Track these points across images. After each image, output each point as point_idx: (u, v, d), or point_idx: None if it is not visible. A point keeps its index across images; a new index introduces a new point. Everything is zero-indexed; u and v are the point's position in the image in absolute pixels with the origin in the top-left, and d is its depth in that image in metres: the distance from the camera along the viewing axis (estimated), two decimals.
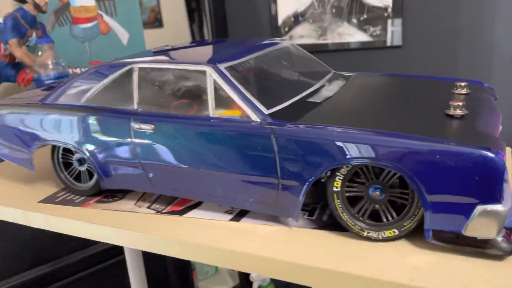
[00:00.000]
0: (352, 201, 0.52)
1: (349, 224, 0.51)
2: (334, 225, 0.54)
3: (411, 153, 0.45)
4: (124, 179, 0.63)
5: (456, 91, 0.60)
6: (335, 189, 0.50)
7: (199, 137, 0.55)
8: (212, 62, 0.56)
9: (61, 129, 0.65)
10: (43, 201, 0.69)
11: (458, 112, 0.51)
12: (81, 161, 0.68)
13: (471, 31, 1.71)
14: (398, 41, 1.85)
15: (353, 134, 0.47)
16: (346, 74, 0.71)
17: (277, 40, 0.70)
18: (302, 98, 0.59)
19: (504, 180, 0.43)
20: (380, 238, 0.50)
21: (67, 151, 0.69)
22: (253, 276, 1.78)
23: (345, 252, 0.49)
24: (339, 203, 0.51)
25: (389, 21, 1.83)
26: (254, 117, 0.53)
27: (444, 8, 1.72)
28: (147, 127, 0.58)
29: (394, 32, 1.84)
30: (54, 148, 0.69)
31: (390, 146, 0.46)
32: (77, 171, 0.69)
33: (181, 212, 0.62)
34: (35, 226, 0.66)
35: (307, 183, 0.51)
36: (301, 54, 0.70)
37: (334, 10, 1.91)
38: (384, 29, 1.84)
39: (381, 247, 0.50)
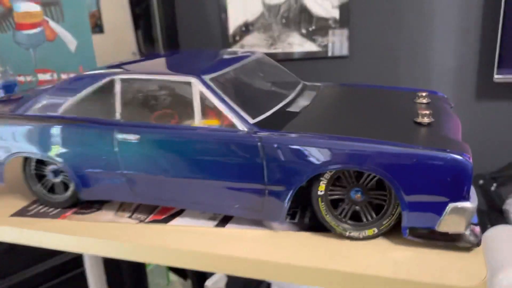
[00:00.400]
0: (333, 204, 0.55)
1: (333, 225, 0.55)
2: (316, 227, 0.58)
3: (391, 158, 0.49)
4: (105, 190, 0.63)
5: (418, 101, 0.65)
6: (319, 193, 0.54)
7: (186, 146, 0.57)
8: (196, 73, 0.58)
9: (36, 140, 0.64)
10: (14, 214, 0.67)
11: (426, 120, 0.56)
12: (55, 173, 0.67)
13: (411, 44, 1.83)
14: (345, 52, 1.94)
15: (338, 141, 0.51)
16: (315, 84, 0.76)
17: (249, 51, 0.73)
18: (281, 107, 0.62)
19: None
20: (361, 237, 0.54)
21: (40, 163, 0.68)
22: (207, 286, 1.79)
23: (330, 251, 0.53)
24: (323, 206, 0.54)
25: (337, 32, 1.91)
26: (240, 126, 0.56)
27: (387, 22, 1.83)
28: (132, 137, 0.59)
29: (341, 43, 1.93)
30: (26, 160, 0.68)
31: (372, 152, 0.50)
32: (50, 183, 0.68)
33: (164, 221, 0.63)
34: (8, 240, 0.64)
35: (293, 188, 0.54)
36: (273, 65, 0.74)
37: (284, 21, 1.97)
38: (332, 40, 1.92)
39: (363, 245, 0.54)
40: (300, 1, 1.93)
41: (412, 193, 0.50)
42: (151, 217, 0.64)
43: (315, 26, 1.94)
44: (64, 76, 1.56)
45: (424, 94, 0.66)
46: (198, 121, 0.57)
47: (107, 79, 0.61)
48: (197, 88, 0.57)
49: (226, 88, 0.59)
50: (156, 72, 0.60)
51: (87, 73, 0.63)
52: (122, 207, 0.67)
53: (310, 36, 1.96)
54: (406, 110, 0.62)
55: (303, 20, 1.96)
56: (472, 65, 1.76)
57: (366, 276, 0.49)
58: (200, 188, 0.58)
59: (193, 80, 0.58)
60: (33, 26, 1.51)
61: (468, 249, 0.51)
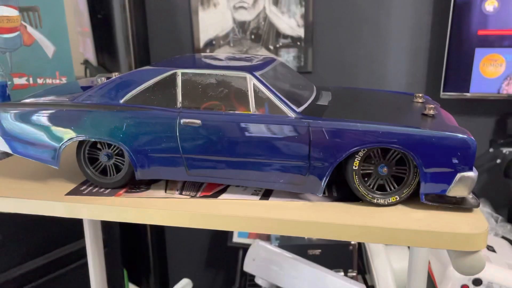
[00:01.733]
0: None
1: (364, 194, 0.68)
2: (345, 198, 0.71)
3: (415, 138, 0.63)
4: (161, 170, 0.72)
5: (416, 100, 0.81)
6: (354, 168, 0.67)
7: (242, 130, 0.68)
8: (248, 70, 0.70)
9: (98, 125, 0.71)
10: (69, 193, 0.74)
11: (432, 112, 0.71)
12: (108, 156, 0.75)
13: (369, 62, 2.03)
14: (309, 68, 2.11)
15: (374, 125, 0.65)
16: (324, 86, 0.89)
17: (270, 56, 0.85)
18: (312, 101, 0.75)
19: None
20: (386, 203, 0.68)
21: (93, 147, 0.76)
22: None
23: (364, 214, 0.66)
24: (356, 179, 0.67)
25: (302, 49, 2.09)
26: (289, 114, 0.68)
27: (347, 41, 2.03)
28: (194, 122, 0.69)
29: (305, 59, 2.10)
30: (81, 144, 0.75)
31: (401, 134, 0.64)
32: (102, 166, 0.76)
33: (214, 196, 0.73)
34: (71, 216, 0.71)
35: (333, 164, 0.67)
36: (291, 69, 0.87)
37: (253, 36, 2.11)
38: (298, 56, 2.09)
39: (389, 209, 0.67)
40: (268, 19, 2.08)
41: (430, 166, 0.64)
42: (200, 193, 0.74)
43: (282, 43, 2.10)
44: (40, 81, 1.59)
45: (420, 95, 0.81)
46: (252, 109, 0.69)
47: (170, 72, 0.71)
48: (252, 82, 0.69)
49: (272, 83, 0.71)
50: (213, 67, 0.71)
51: (149, 67, 0.72)
52: (168, 186, 0.76)
53: (277, 52, 2.12)
54: (411, 106, 0.77)
55: (271, 36, 2.11)
56: (421, 83, 1.99)
57: (397, 230, 0.62)
58: (252, 166, 0.69)
59: (248, 75, 0.69)
60: (10, 30, 1.53)
61: (470, 209, 0.66)
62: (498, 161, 1.93)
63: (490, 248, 1.61)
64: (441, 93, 1.84)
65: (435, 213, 0.66)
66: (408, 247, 1.20)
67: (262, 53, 2.12)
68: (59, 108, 0.72)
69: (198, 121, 0.69)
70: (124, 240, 2.08)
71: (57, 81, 1.62)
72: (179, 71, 0.71)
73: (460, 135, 0.63)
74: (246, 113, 0.69)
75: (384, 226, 0.62)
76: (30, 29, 1.54)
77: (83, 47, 2.46)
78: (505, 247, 1.64)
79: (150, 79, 0.71)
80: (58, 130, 0.73)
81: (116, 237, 1.67)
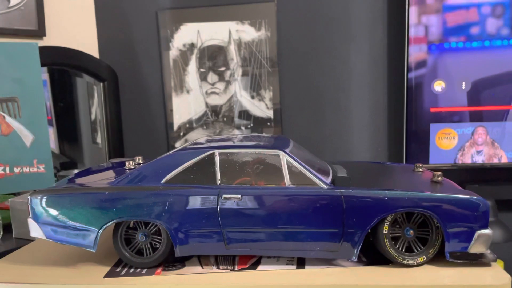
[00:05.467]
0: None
1: (395, 256, 0.74)
2: (375, 262, 0.76)
3: (438, 202, 0.72)
4: (201, 245, 0.75)
5: (416, 170, 0.91)
6: (384, 232, 0.74)
7: (280, 202, 0.73)
8: (280, 147, 0.77)
9: (141, 206, 0.74)
10: (107, 276, 0.74)
11: (440, 179, 0.80)
12: (145, 235, 0.77)
13: (332, 140, 2.18)
14: None
15: (401, 192, 0.72)
16: (331, 161, 0.97)
17: (282, 136, 0.93)
18: (333, 173, 0.82)
19: None
20: (415, 263, 0.74)
21: (128, 228, 0.77)
22: None
23: (399, 275, 0.71)
24: (387, 242, 0.74)
25: (271, 129, 2.20)
26: (321, 185, 0.74)
27: (312, 120, 2.18)
28: (234, 197, 0.73)
29: None
30: (117, 226, 0.76)
31: (425, 199, 0.72)
32: (137, 246, 0.77)
33: (251, 268, 0.76)
34: None
35: (366, 229, 0.73)
36: (300, 146, 0.95)
37: (225, 119, 2.21)
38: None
39: (418, 269, 0.73)
40: (239, 102, 2.20)
41: (452, 226, 0.72)
42: (237, 267, 0.76)
43: (253, 124, 2.22)
44: (17, 170, 1.58)
45: (420, 165, 0.91)
46: (287, 182, 0.75)
47: (208, 152, 0.76)
48: (285, 158, 0.76)
49: (300, 158, 0.78)
50: (246, 147, 0.77)
51: (188, 149, 0.77)
52: (203, 261, 0.79)
53: (248, 133, 2.21)
54: (416, 175, 0.86)
55: (242, 118, 2.22)
56: (384, 156, 2.15)
57: (436, 286, 0.68)
58: (289, 236, 0.74)
59: (280, 152, 0.76)
60: None
61: (488, 264, 0.73)
62: None
63: None
64: None
65: (460, 269, 0.73)
66: None
67: (234, 133, 2.21)
68: (101, 191, 0.75)
69: (238, 196, 0.74)
70: None
71: (35, 169, 1.61)
72: (217, 151, 0.77)
73: (476, 197, 0.72)
74: (282, 186, 0.75)
75: (423, 284, 0.68)
76: (8, 119, 1.55)
77: None
78: None
79: (189, 160, 0.76)
80: (99, 213, 0.74)
81: None
